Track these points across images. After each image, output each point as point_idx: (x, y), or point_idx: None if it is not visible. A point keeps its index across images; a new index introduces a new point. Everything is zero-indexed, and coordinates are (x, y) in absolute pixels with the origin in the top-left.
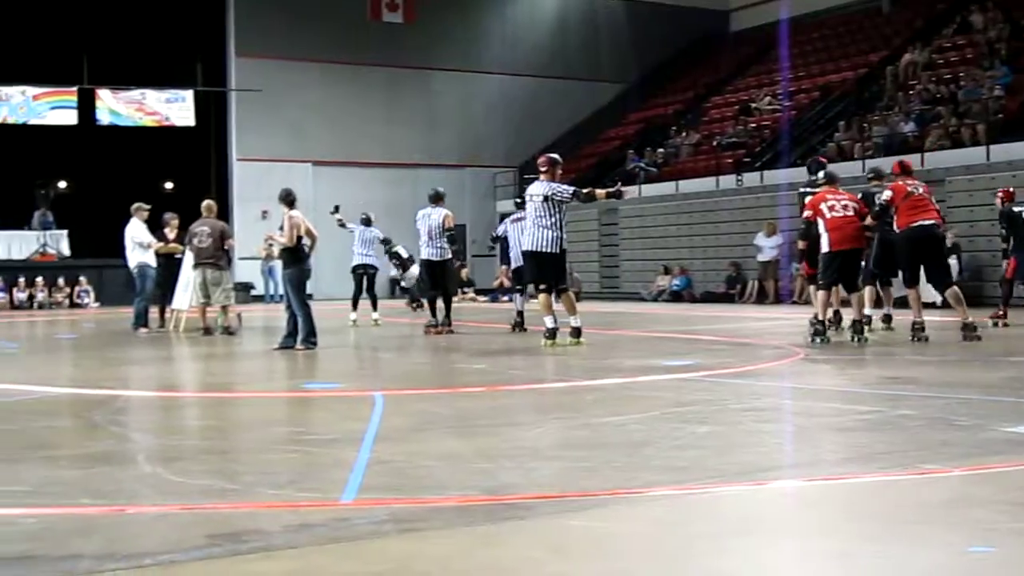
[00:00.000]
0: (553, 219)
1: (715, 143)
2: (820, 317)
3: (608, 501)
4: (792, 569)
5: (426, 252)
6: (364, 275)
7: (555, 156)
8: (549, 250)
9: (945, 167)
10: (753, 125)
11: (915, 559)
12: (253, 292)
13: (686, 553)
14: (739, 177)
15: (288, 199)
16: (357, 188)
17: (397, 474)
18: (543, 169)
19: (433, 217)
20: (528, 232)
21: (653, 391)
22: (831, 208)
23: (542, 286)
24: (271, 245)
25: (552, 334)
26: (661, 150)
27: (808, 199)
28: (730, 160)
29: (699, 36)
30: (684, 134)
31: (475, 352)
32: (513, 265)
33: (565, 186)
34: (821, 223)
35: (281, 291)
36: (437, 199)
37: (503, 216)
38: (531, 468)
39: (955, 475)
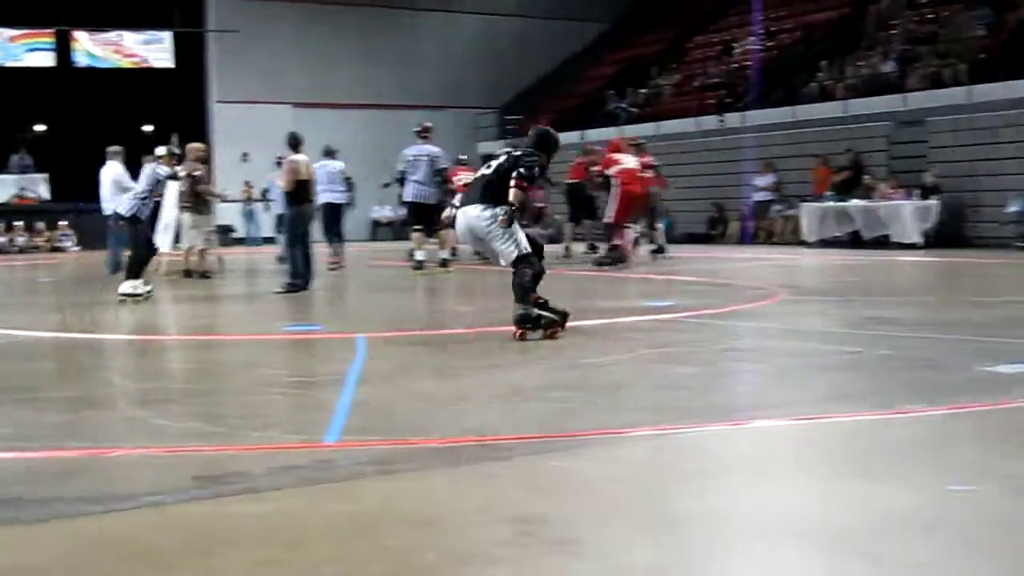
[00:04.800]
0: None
1: (697, 84)
2: None
3: (589, 442)
4: (772, 508)
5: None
6: None
7: None
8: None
9: (926, 108)
10: (735, 65)
11: (895, 497)
12: (233, 235)
13: (666, 492)
14: (721, 118)
15: (291, 142)
16: (338, 130)
17: (380, 416)
18: None
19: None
20: None
21: (634, 332)
22: None
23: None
24: (251, 187)
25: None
26: (644, 90)
27: None
28: (712, 101)
29: None
30: (666, 74)
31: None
32: None
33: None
34: None
35: (263, 233)
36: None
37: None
38: (513, 409)
39: (936, 414)
